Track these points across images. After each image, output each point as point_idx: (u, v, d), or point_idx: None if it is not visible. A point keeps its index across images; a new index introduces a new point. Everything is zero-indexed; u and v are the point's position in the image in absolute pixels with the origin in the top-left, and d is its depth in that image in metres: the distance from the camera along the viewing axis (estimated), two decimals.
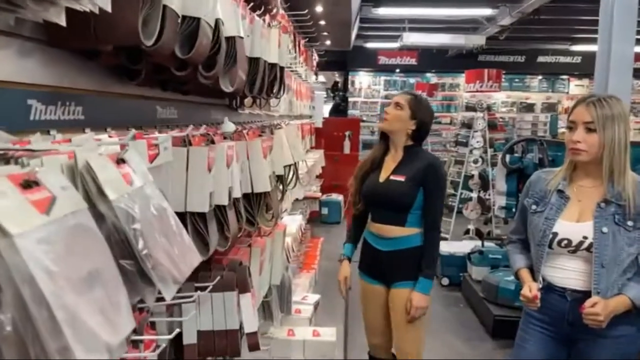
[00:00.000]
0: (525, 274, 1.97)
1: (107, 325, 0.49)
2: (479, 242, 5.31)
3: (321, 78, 10.94)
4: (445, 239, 6.38)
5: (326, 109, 10.47)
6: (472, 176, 6.79)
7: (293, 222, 3.32)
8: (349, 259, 2.61)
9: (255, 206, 1.54)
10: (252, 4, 1.85)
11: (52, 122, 0.96)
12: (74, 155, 0.61)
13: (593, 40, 4.01)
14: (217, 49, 1.25)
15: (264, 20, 2.06)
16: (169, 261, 0.65)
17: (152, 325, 1.25)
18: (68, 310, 0.43)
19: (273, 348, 2.75)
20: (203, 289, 1.35)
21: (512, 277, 4.20)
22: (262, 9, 2.17)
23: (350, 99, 11.74)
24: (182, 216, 1.18)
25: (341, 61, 11.05)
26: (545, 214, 1.90)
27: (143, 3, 0.93)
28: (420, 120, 2.39)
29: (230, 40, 1.35)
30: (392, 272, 2.40)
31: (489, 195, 6.66)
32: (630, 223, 1.78)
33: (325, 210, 7.05)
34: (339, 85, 12.10)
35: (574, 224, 1.85)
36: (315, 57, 6.51)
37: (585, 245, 1.82)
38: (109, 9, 0.76)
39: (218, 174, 1.26)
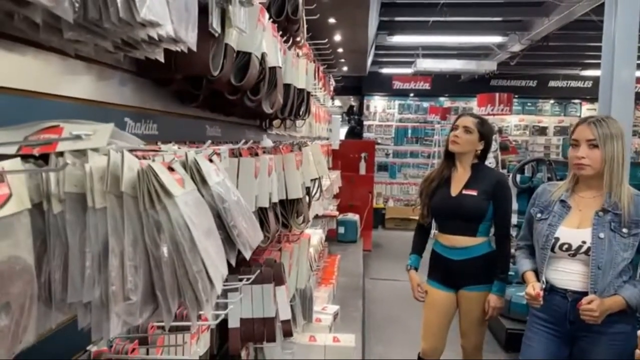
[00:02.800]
0: (530, 276, 2.19)
1: (220, 263, 0.73)
2: None
3: (337, 102, 11.27)
4: None
5: (342, 132, 10.77)
6: None
7: (315, 235, 3.54)
8: (416, 269, 2.88)
9: (288, 211, 1.78)
10: (284, 37, 2.11)
11: (138, 136, 1.21)
12: (183, 155, 0.85)
13: None
14: (262, 77, 1.51)
15: (292, 49, 2.33)
16: (246, 232, 0.89)
17: None
18: (203, 246, 0.67)
19: (296, 352, 2.94)
20: (246, 279, 1.58)
21: (524, 292, 4.35)
22: (291, 40, 2.44)
23: (365, 123, 12.03)
24: None
25: (357, 86, 11.38)
26: (549, 221, 2.11)
27: (213, 42, 1.18)
28: (487, 141, 2.72)
29: (272, 69, 1.61)
30: (463, 278, 2.68)
31: None
32: (625, 230, 1.98)
33: (342, 229, 7.25)
34: (355, 109, 12.41)
35: (574, 230, 2.07)
36: (332, 82, 6.82)
37: (584, 249, 2.02)
38: (195, 49, 1.02)
39: (262, 180, 1.50)
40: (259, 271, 1.64)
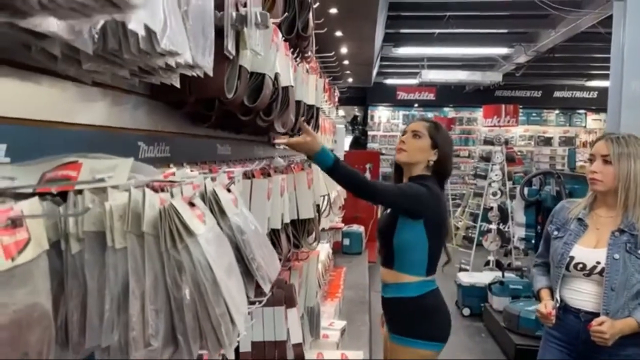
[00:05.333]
0: (544, 294, 2.16)
1: (242, 302, 0.70)
2: (499, 273, 5.41)
3: (341, 112, 11.28)
4: (466, 270, 6.48)
5: (346, 142, 10.76)
6: (491, 208, 6.92)
7: (323, 250, 3.51)
8: None
9: (300, 231, 1.75)
10: (294, 54, 2.10)
11: (151, 159, 1.19)
12: (201, 185, 0.83)
13: (608, 77, 4.20)
14: (275, 97, 1.49)
15: (301, 65, 2.32)
16: (265, 265, 0.86)
17: None
18: (225, 286, 0.65)
19: None
20: (258, 303, 1.55)
21: (532, 307, 4.29)
22: (301, 56, 2.43)
23: (369, 133, 12.03)
24: None
25: (361, 96, 11.39)
26: (565, 239, 2.09)
27: (227, 65, 1.17)
28: (442, 150, 2.17)
29: (284, 89, 1.59)
30: (388, 322, 2.23)
31: (508, 227, 6.77)
32: None
33: (347, 241, 7.21)
34: (359, 119, 12.42)
35: (590, 250, 2.03)
36: (337, 93, 6.82)
37: (598, 269, 1.99)
38: (211, 74, 1.00)
39: (274, 202, 1.48)
40: (270, 293, 1.61)
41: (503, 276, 5.21)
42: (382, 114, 12.17)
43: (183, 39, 0.82)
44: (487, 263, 6.69)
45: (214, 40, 1.08)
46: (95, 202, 0.63)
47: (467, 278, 5.57)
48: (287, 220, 1.60)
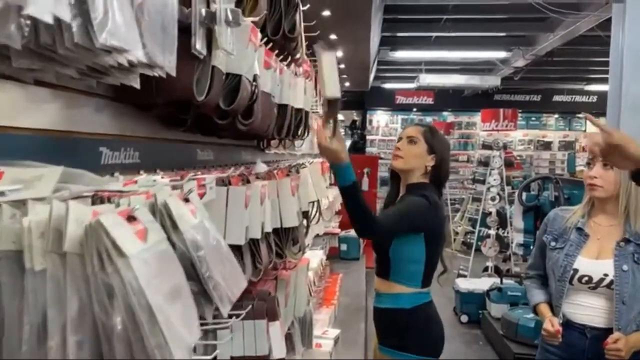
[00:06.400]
0: (545, 309, 2.03)
1: (186, 331, 0.62)
2: (497, 280, 5.33)
3: (340, 117, 11.22)
4: (464, 276, 6.39)
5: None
6: (489, 213, 6.84)
7: (315, 257, 3.43)
8: None
9: (283, 240, 1.67)
10: (281, 56, 2.02)
11: (117, 166, 1.11)
12: (152, 195, 0.75)
13: (607, 81, 4.13)
14: (254, 100, 1.41)
15: (290, 68, 2.24)
16: (225, 283, 0.78)
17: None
18: (164, 314, 0.57)
19: None
20: (236, 316, 1.47)
21: (531, 315, 4.21)
22: (289, 58, 2.36)
23: (368, 137, 11.96)
24: None
25: (359, 101, 11.33)
26: (565, 250, 1.98)
27: (197, 65, 1.09)
28: (439, 154, 2.10)
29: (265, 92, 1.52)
30: (380, 332, 2.16)
31: (507, 232, 6.68)
32: None
33: (344, 247, 7.12)
34: (357, 123, 12.36)
35: (594, 261, 1.93)
36: None
37: (606, 282, 1.89)
38: (174, 74, 0.92)
39: (253, 210, 1.40)
40: (250, 306, 1.52)
41: (501, 282, 5.13)
42: (380, 118, 12.12)
43: (132, 35, 0.75)
44: (486, 269, 6.61)
45: (183, 38, 1.01)
46: (16, 217, 0.55)
47: (465, 284, 5.49)
48: (268, 229, 1.52)
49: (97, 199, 0.73)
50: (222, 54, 1.17)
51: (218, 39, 1.07)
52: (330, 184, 6.16)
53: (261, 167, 1.63)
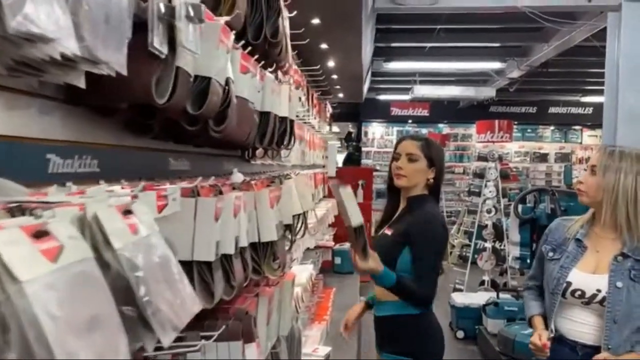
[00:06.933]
0: (537, 321, 1.96)
1: None
2: (494, 294, 5.22)
3: (335, 129, 11.18)
4: (461, 290, 6.27)
5: (340, 158, 10.62)
6: (485, 226, 6.74)
7: (303, 272, 3.32)
8: (367, 303, 2.46)
9: (261, 255, 1.57)
10: (263, 62, 1.94)
11: (69, 175, 1.01)
12: (84, 207, 0.65)
13: (603, 92, 4.07)
14: (227, 105, 1.32)
15: (275, 76, 2.15)
16: (169, 308, 0.68)
17: None
18: (67, 351, 0.46)
19: None
20: (208, 338, 1.36)
21: (528, 331, 4.09)
22: (274, 66, 2.27)
23: (363, 149, 11.90)
24: (189, 265, 1.21)
25: (355, 112, 11.29)
26: (561, 262, 1.90)
27: (157, 65, 1.00)
28: (438, 166, 2.20)
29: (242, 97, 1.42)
30: (381, 339, 2.22)
31: (504, 246, 6.58)
32: None
33: (338, 260, 7.00)
34: (353, 135, 12.30)
35: (589, 275, 1.84)
36: (329, 108, 6.67)
37: (599, 298, 1.80)
38: (125, 72, 0.83)
39: (225, 223, 1.30)
40: (224, 326, 1.42)
41: (498, 297, 5.01)
42: (376, 130, 12.07)
43: (63, 24, 0.65)
44: (482, 283, 6.49)
45: (142, 35, 0.92)
46: None
47: (461, 299, 5.37)
48: (243, 244, 1.42)
49: (19, 210, 0.64)
50: (188, 54, 1.08)
51: (178, 35, 0.98)
52: (324, 196, 6.08)
53: (238, 177, 1.54)
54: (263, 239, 1.55)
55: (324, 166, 6.66)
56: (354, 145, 12.00)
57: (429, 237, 2.09)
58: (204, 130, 1.36)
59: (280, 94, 2.11)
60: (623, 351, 1.73)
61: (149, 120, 1.22)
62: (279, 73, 2.40)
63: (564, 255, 1.90)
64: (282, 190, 1.86)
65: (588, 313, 1.83)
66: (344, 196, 1.95)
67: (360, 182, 8.07)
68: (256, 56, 1.78)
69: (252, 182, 1.60)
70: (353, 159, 11.64)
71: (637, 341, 1.74)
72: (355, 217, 1.97)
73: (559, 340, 1.87)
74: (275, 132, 2.05)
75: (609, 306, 1.76)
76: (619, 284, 1.76)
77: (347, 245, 7.13)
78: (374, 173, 9.53)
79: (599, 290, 1.79)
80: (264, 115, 1.92)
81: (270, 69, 2.13)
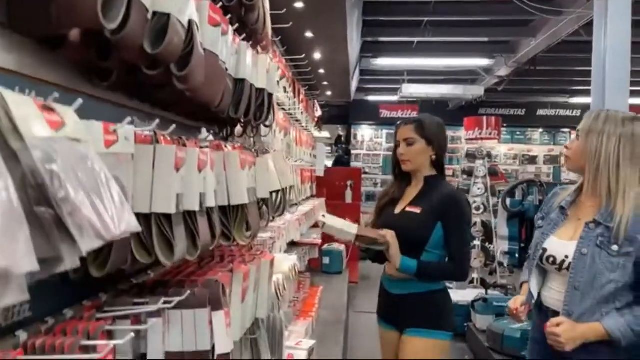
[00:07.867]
0: (523, 288, 1.98)
1: None
2: (483, 291, 5.15)
3: (326, 133, 11.12)
4: (450, 287, 6.19)
5: (329, 163, 10.54)
6: (474, 224, 6.66)
7: (286, 261, 3.21)
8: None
9: (232, 219, 1.48)
10: (237, 25, 1.85)
11: None
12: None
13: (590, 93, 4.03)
14: (189, 49, 1.23)
15: (253, 48, 2.07)
16: (93, 213, 0.59)
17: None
18: None
19: None
20: (168, 302, 1.26)
21: (517, 325, 4.02)
22: (252, 39, 2.19)
23: (353, 152, 11.84)
24: (147, 218, 1.11)
25: (344, 115, 11.24)
26: (543, 229, 1.88)
27: None
28: (437, 142, 2.26)
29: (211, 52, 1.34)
30: (403, 316, 2.24)
31: (494, 247, 6.52)
32: (615, 247, 1.66)
33: (326, 260, 6.89)
34: (342, 138, 12.25)
35: (562, 242, 1.81)
36: (318, 108, 6.60)
37: (566, 264, 1.75)
38: None
39: (188, 176, 1.21)
40: (189, 292, 1.32)
41: (487, 293, 4.94)
42: (365, 133, 12.02)
43: None
44: (472, 281, 6.40)
45: None
46: None
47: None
48: (210, 203, 1.33)
49: None
50: None
51: None
52: (312, 195, 5.95)
53: (205, 135, 1.44)
54: (233, 202, 1.46)
55: (312, 165, 6.58)
56: (343, 147, 11.94)
57: (460, 213, 2.19)
58: (167, 79, 1.27)
59: (258, 64, 2.03)
60: (589, 321, 1.66)
61: (104, 61, 1.12)
62: (259, 49, 2.32)
63: (546, 223, 1.86)
64: (257, 160, 1.78)
65: (559, 280, 1.80)
66: (329, 221, 2.16)
67: (348, 183, 8.00)
68: (229, 16, 1.70)
69: (224, 145, 1.51)
70: (342, 162, 11.57)
71: (607, 312, 1.66)
72: (350, 231, 2.14)
73: (539, 307, 1.86)
74: (252, 103, 1.96)
75: (572, 272, 1.72)
76: (584, 251, 1.70)
77: (335, 245, 7.04)
78: (363, 175, 9.46)
79: (567, 257, 1.75)
80: (239, 83, 1.83)
81: (249, 43, 2.05)
